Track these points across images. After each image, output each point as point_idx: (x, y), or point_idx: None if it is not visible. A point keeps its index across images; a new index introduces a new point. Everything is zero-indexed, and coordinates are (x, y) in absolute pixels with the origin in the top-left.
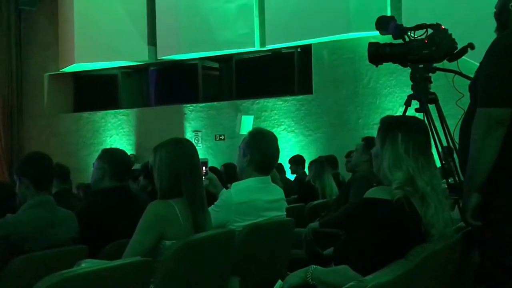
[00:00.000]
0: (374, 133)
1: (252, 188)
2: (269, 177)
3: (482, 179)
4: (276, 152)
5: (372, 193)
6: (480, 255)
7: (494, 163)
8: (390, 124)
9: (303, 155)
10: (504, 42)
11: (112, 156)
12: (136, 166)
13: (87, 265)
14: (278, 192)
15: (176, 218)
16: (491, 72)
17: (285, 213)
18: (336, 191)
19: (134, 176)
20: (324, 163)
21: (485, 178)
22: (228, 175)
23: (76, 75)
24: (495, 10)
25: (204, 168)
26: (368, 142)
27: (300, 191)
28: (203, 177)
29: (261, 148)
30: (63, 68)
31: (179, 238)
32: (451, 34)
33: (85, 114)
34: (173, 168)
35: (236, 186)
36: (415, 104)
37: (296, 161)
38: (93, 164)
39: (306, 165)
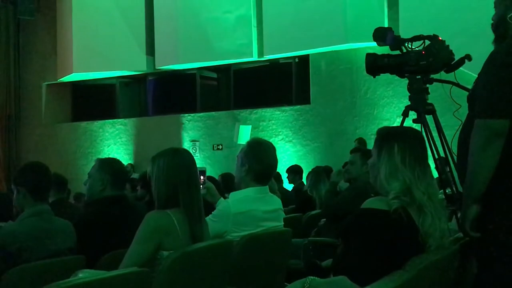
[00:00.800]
0: (371, 143)
1: (250, 198)
2: (267, 187)
3: (481, 190)
4: (274, 162)
5: (369, 203)
6: (477, 266)
7: (493, 174)
8: (386, 135)
9: (301, 165)
10: (502, 53)
11: (112, 166)
12: (134, 175)
13: (84, 275)
14: (276, 202)
15: (173, 229)
16: (489, 84)
17: (283, 223)
18: None
19: (133, 186)
20: (321, 173)
21: (484, 189)
22: (226, 185)
23: (74, 84)
24: (492, 21)
25: (202, 177)
26: (364, 152)
27: (298, 201)
28: (201, 186)
29: (259, 158)
30: (61, 78)
31: (176, 248)
32: (448, 46)
33: (83, 124)
34: (171, 178)
35: (234, 196)
36: (412, 115)
37: (294, 171)
38: (89, 173)
39: (304, 175)
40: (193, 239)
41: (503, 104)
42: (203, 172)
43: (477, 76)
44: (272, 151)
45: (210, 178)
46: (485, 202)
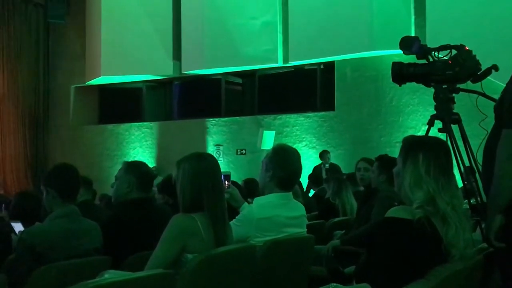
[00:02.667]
0: (396, 151)
1: (273, 204)
2: (290, 193)
3: (506, 200)
4: (298, 169)
5: (393, 212)
6: (501, 277)
7: None
8: (411, 144)
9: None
10: None
11: (139, 168)
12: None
13: (110, 276)
14: (299, 209)
15: (198, 232)
16: None
17: (306, 229)
18: (355, 207)
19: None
20: (343, 180)
21: (510, 199)
22: (248, 190)
23: (102, 87)
24: None
25: (226, 182)
26: (382, 161)
27: (320, 208)
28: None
29: (283, 164)
30: (89, 81)
31: (200, 251)
32: (475, 55)
33: (110, 126)
34: (196, 183)
35: (257, 201)
36: (438, 124)
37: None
38: (116, 176)
39: None
40: (217, 243)
41: None
42: (227, 176)
43: (505, 85)
44: (297, 157)
45: (233, 183)
46: (510, 212)
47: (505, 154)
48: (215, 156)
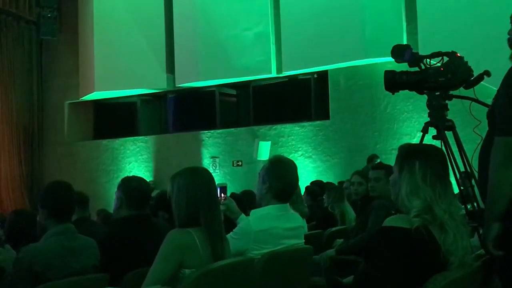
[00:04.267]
0: (392, 158)
1: (271, 216)
2: (287, 204)
3: (503, 208)
4: (295, 180)
5: (390, 221)
6: (501, 283)
7: None
8: (407, 152)
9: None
10: None
11: (128, 185)
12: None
13: None
14: (297, 220)
15: (195, 247)
16: (508, 101)
17: (304, 240)
18: (353, 215)
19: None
20: (341, 190)
21: (505, 207)
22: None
23: (96, 103)
24: (508, 36)
25: (222, 194)
26: (387, 169)
27: (318, 217)
28: (221, 203)
29: (280, 176)
30: (83, 96)
31: (198, 266)
32: (467, 62)
33: (105, 142)
34: (191, 198)
35: (255, 213)
36: (432, 131)
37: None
38: (115, 193)
39: None
40: (215, 257)
41: None
42: (224, 188)
43: (496, 91)
44: (293, 169)
45: (233, 195)
46: (507, 219)
47: (498, 162)
48: (211, 169)
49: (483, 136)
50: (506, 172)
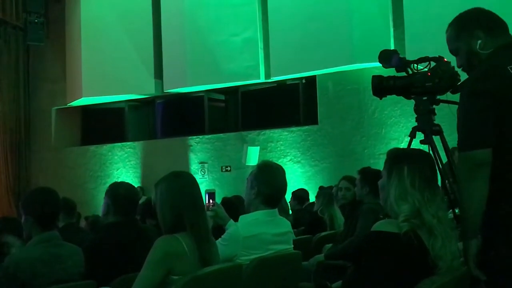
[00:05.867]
0: (380, 163)
1: (259, 221)
2: (276, 210)
3: (476, 222)
4: (283, 185)
5: (379, 226)
6: None
7: (487, 202)
8: (396, 157)
9: (310, 185)
10: (471, 81)
11: (115, 191)
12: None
13: None
14: (285, 225)
15: (183, 253)
16: (462, 115)
17: (293, 245)
18: (342, 220)
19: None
20: (331, 194)
21: (479, 221)
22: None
23: (84, 108)
24: (460, 66)
25: (211, 200)
26: (365, 174)
27: (307, 222)
28: (209, 209)
29: (268, 181)
30: (70, 102)
31: (187, 272)
32: (453, 67)
33: (92, 147)
34: (175, 203)
35: (243, 219)
36: (420, 135)
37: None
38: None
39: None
40: (203, 261)
41: (479, 134)
42: (212, 194)
43: (457, 108)
44: (282, 174)
45: (226, 199)
46: (485, 231)
47: (463, 178)
48: (200, 174)
49: None
50: (473, 187)
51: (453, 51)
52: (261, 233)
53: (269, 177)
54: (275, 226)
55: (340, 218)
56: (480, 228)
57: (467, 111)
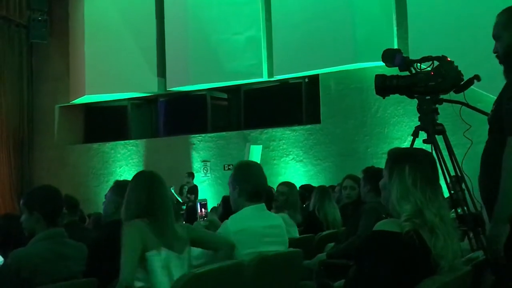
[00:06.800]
0: (382, 162)
1: (248, 216)
2: (263, 204)
3: None
4: (263, 179)
5: (381, 225)
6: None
7: None
8: (397, 156)
9: (312, 184)
10: None
11: (125, 189)
12: None
13: None
14: (275, 219)
15: (146, 231)
16: None
17: (287, 238)
18: (339, 219)
19: None
20: (325, 191)
21: None
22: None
23: (87, 106)
24: (496, 53)
25: (203, 209)
26: (368, 173)
27: (306, 222)
28: (203, 219)
29: (247, 178)
30: (73, 100)
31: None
32: (457, 66)
33: (95, 145)
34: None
35: (232, 217)
36: (422, 135)
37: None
38: (105, 195)
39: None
40: (166, 243)
41: None
42: (204, 204)
43: (496, 98)
44: (259, 169)
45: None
46: None
47: (509, 163)
48: (203, 172)
49: (474, 140)
50: None
51: (495, 36)
52: (250, 226)
53: (247, 174)
54: (265, 219)
55: (332, 214)
56: None
57: None
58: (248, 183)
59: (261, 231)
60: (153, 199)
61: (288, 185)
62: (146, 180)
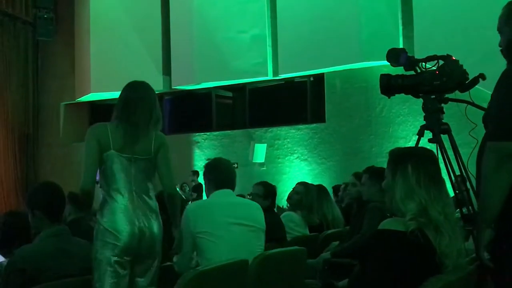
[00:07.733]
0: (386, 162)
1: (210, 198)
2: (231, 190)
3: (495, 214)
4: (229, 168)
5: (386, 224)
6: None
7: (508, 195)
8: (399, 156)
9: (316, 183)
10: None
11: None
12: None
13: None
14: (242, 200)
15: (106, 134)
16: (500, 105)
17: (261, 221)
18: (339, 217)
19: None
20: (323, 190)
21: (498, 212)
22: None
23: (92, 104)
24: (500, 47)
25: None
26: (372, 173)
27: None
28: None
29: (213, 168)
30: (79, 98)
31: (110, 149)
32: (462, 65)
33: None
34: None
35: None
36: (428, 134)
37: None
38: None
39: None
40: (129, 146)
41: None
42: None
43: (490, 97)
44: (225, 161)
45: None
46: (500, 221)
47: (489, 166)
48: None
49: (479, 140)
50: (498, 177)
51: (498, 29)
52: (208, 202)
53: (213, 166)
54: (227, 196)
55: (334, 215)
56: (496, 221)
57: (506, 101)
58: (214, 172)
59: (223, 203)
60: (128, 104)
61: (306, 185)
62: (126, 89)
